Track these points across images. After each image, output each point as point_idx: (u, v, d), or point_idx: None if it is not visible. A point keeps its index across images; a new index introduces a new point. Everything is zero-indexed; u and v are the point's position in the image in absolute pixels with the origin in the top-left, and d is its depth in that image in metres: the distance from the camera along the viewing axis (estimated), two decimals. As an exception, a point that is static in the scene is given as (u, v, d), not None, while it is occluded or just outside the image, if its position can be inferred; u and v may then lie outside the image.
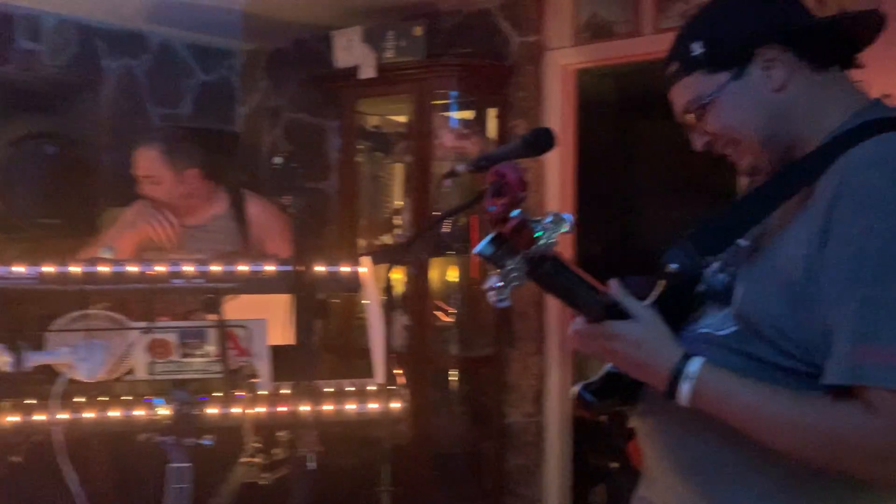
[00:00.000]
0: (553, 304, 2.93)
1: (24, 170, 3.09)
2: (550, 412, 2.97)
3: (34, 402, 1.56)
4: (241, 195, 2.66)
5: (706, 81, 1.07)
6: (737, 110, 1.06)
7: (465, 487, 3.02)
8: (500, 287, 1.01)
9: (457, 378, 3.15)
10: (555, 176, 2.92)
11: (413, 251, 2.28)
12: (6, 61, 3.07)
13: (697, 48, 1.07)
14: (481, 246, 1.01)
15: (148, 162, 2.48)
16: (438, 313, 3.06)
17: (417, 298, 2.92)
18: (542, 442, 2.98)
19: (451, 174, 1.28)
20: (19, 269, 1.52)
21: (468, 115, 3.11)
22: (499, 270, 1.01)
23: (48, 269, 1.54)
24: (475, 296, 3.04)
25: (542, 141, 1.18)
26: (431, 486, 2.89)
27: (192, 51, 3.68)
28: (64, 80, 3.23)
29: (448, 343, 3.05)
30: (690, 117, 1.10)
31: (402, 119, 3.24)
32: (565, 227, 1.01)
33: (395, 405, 1.78)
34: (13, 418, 1.55)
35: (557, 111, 2.93)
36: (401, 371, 1.86)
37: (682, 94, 1.10)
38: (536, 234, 0.99)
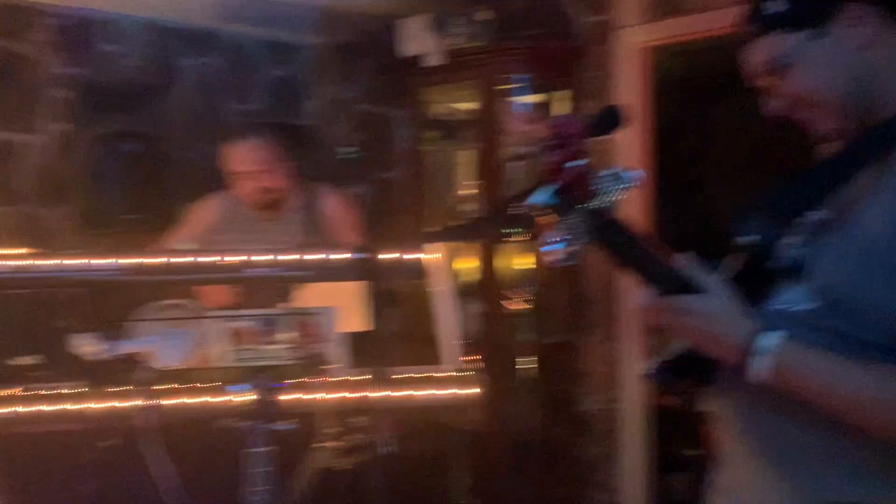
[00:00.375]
0: (627, 289, 2.87)
1: (107, 168, 3.23)
2: (626, 399, 2.91)
3: (121, 388, 1.63)
4: (315, 188, 2.70)
5: (786, 41, 1.01)
6: (818, 71, 1.00)
7: (539, 476, 3.00)
8: (558, 245, 0.97)
9: (530, 365, 3.12)
10: (630, 159, 2.85)
11: (478, 230, 2.26)
12: (88, 64, 3.20)
13: (777, 5, 1.01)
14: (535, 196, 0.97)
15: (251, 155, 2.52)
16: (511, 301, 3.04)
17: (489, 285, 2.90)
18: (618, 430, 2.93)
19: (519, 157, 1.25)
20: (105, 261, 1.58)
21: (537, 98, 3.07)
22: (557, 229, 0.97)
23: (130, 261, 1.59)
24: (549, 282, 3.01)
25: (609, 119, 1.14)
26: (506, 473, 2.88)
27: (263, 47, 3.75)
28: (142, 80, 3.35)
29: (521, 330, 3.02)
30: (767, 80, 1.05)
31: (469, 106, 3.22)
32: (628, 183, 0.96)
33: (469, 391, 1.77)
34: (103, 404, 1.62)
35: (629, 91, 2.85)
36: (475, 357, 1.85)
37: (760, 54, 1.04)
38: (595, 187, 0.95)
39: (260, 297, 1.76)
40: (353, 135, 3.74)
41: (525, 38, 2.95)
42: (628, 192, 0.96)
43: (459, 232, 2.66)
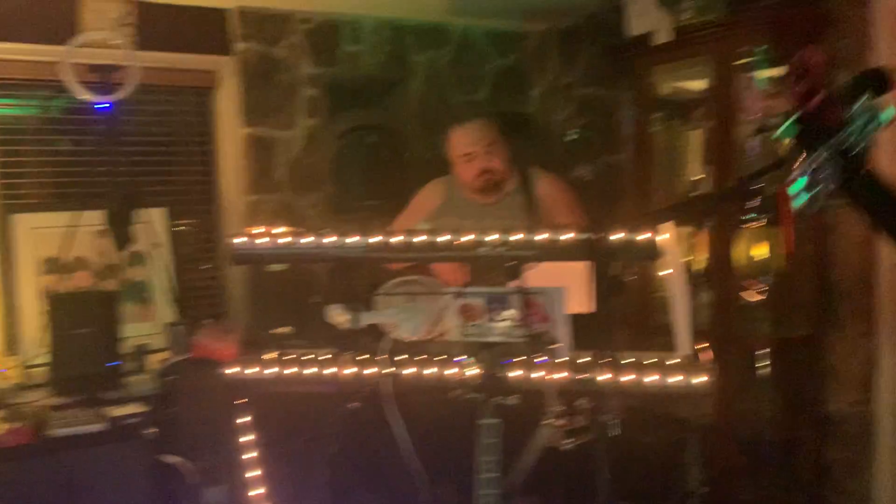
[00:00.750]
0: (886, 280, 2.56)
1: (351, 159, 3.52)
2: (882, 401, 2.60)
3: (366, 356, 1.77)
4: (530, 173, 2.73)
5: None
6: None
7: (776, 477, 2.78)
8: (806, 187, 0.88)
9: (767, 360, 2.90)
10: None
11: (711, 205, 2.13)
12: (334, 63, 3.50)
13: None
14: (783, 128, 0.89)
15: (474, 138, 2.63)
16: (747, 291, 2.84)
17: (722, 273, 2.74)
18: (871, 434, 2.63)
19: (761, 130, 1.17)
20: (354, 239, 1.73)
21: (777, 72, 2.83)
22: (802, 165, 0.88)
23: (376, 239, 1.73)
24: (790, 271, 2.77)
25: (873, 81, 1.01)
26: (738, 471, 2.71)
27: (488, 38, 3.86)
28: (380, 76, 3.60)
29: (757, 322, 2.82)
30: None
31: (699, 84, 3.05)
32: (882, 121, 0.85)
33: (701, 380, 1.69)
34: (351, 370, 1.78)
35: (893, 60, 2.53)
36: (706, 345, 1.76)
37: None
38: (844, 122, 0.85)
39: (490, 275, 1.82)
40: (577, 119, 3.72)
41: (765, 6, 2.72)
42: (881, 131, 0.85)
43: (691, 207, 2.54)
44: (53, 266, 2.94)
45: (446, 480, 1.96)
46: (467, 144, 2.62)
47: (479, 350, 1.74)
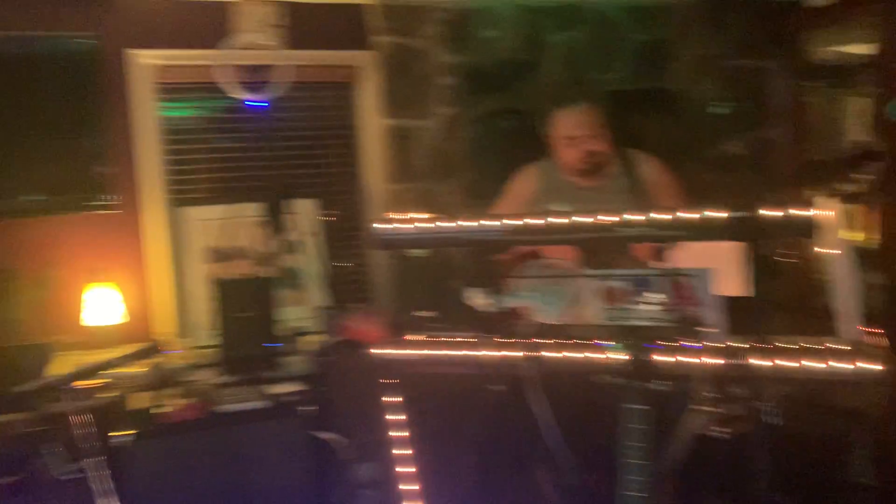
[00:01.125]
0: None
1: (488, 144, 3.53)
2: None
3: (508, 339, 1.78)
4: (632, 155, 2.66)
5: None
6: None
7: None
8: None
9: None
10: None
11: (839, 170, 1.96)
12: (469, 51, 3.52)
13: None
14: None
15: (578, 121, 2.60)
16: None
17: (893, 253, 2.51)
18: None
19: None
20: (492, 222, 1.74)
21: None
22: None
23: (514, 222, 1.73)
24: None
25: None
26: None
27: (629, 13, 3.73)
28: (515, 60, 3.58)
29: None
30: None
31: (863, 48, 2.80)
32: None
33: (875, 368, 1.56)
34: (494, 353, 1.79)
35: None
36: (878, 332, 1.62)
37: None
38: None
39: (605, 257, 1.77)
40: (726, 92, 3.53)
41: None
42: None
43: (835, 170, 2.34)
44: (217, 255, 3.18)
45: (590, 466, 1.94)
46: (573, 127, 2.60)
47: (624, 334, 1.70)
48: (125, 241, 3.10)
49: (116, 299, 2.99)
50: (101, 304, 2.96)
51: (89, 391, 2.44)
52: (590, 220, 1.67)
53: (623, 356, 1.67)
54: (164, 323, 3.13)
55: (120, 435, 2.43)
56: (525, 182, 2.81)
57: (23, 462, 2.24)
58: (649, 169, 2.65)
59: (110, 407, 2.45)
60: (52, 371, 2.64)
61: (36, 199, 3.00)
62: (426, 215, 1.87)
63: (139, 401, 2.62)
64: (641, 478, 1.59)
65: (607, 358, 1.70)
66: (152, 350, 2.68)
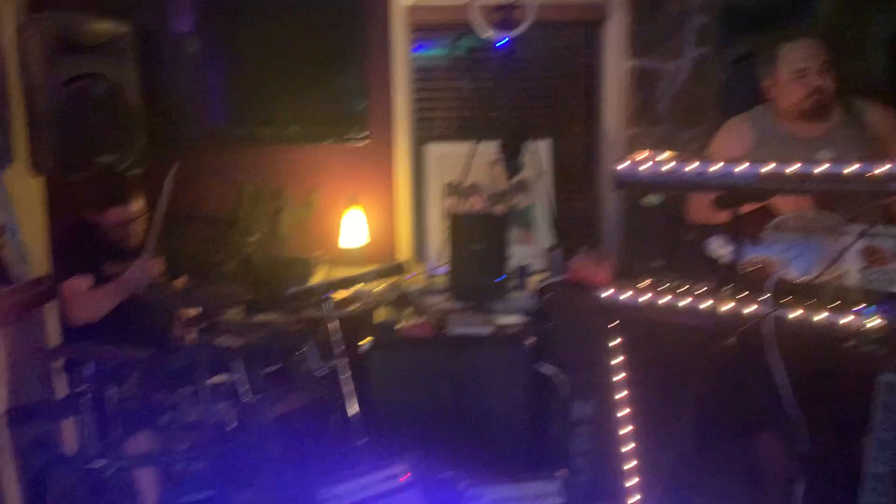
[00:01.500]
0: None
1: (739, 89, 3.28)
2: None
3: (747, 293, 1.69)
4: (858, 103, 2.38)
5: None
6: None
7: None
8: None
9: None
10: None
11: None
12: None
13: None
14: None
15: (807, 53, 2.35)
16: None
17: None
18: None
19: None
20: (744, 166, 1.64)
21: None
22: None
23: (767, 168, 1.61)
24: None
25: None
26: None
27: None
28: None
29: None
30: None
31: None
32: None
33: None
34: (729, 305, 1.71)
35: None
36: None
37: None
38: None
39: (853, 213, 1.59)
40: None
41: None
42: None
43: None
44: (453, 190, 3.34)
45: (826, 435, 1.81)
46: (802, 60, 2.32)
47: (881, 299, 1.54)
48: (375, 172, 3.36)
49: (363, 223, 3.27)
50: (353, 228, 3.26)
51: (342, 302, 2.74)
52: (857, 169, 1.51)
53: (877, 323, 1.52)
54: (403, 249, 3.37)
55: (364, 343, 2.71)
56: (733, 139, 2.53)
57: (285, 356, 2.59)
58: (880, 117, 2.34)
59: (358, 317, 2.74)
60: (314, 282, 3.00)
61: (302, 130, 3.34)
62: (668, 154, 1.82)
63: (380, 315, 2.89)
64: (892, 452, 1.45)
65: (861, 323, 1.55)
66: (396, 269, 2.93)
